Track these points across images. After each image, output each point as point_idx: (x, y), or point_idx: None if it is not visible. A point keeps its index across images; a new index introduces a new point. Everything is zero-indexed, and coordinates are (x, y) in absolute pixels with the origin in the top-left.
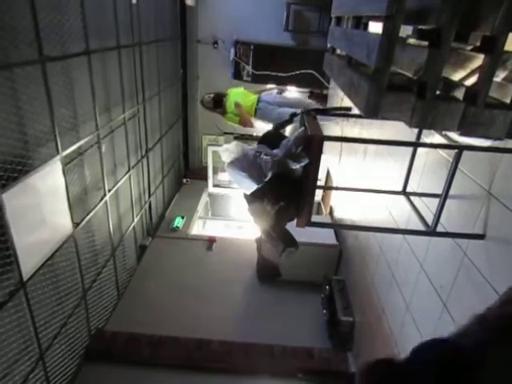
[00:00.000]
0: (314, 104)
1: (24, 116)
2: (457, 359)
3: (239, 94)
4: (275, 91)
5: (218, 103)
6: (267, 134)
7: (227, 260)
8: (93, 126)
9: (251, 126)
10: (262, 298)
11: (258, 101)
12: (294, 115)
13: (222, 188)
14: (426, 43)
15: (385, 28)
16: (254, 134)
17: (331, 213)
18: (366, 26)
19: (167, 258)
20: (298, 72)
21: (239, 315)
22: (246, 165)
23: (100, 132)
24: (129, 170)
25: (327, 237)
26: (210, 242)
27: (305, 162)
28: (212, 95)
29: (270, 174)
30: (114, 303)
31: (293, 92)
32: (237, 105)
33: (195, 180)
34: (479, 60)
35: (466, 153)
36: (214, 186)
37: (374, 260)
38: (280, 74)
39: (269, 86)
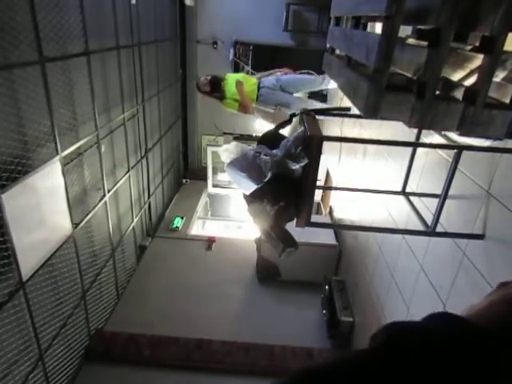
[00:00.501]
0: (317, 80)
1: (23, 116)
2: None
3: (239, 77)
4: (276, 75)
5: (215, 87)
6: (267, 135)
7: (227, 260)
8: (92, 127)
9: (251, 112)
10: (262, 298)
11: (259, 87)
12: (293, 115)
13: (222, 188)
14: (425, 43)
15: (384, 28)
16: (254, 135)
17: (331, 213)
18: (365, 26)
19: (167, 259)
20: (297, 72)
21: (239, 315)
22: (245, 165)
23: (99, 132)
24: (128, 170)
25: (327, 237)
26: (210, 242)
27: (304, 162)
28: (209, 77)
29: (269, 175)
30: (113, 303)
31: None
32: (238, 83)
33: (195, 180)
34: (478, 60)
35: (465, 153)
36: (214, 186)
37: (373, 260)
38: None
39: (271, 70)
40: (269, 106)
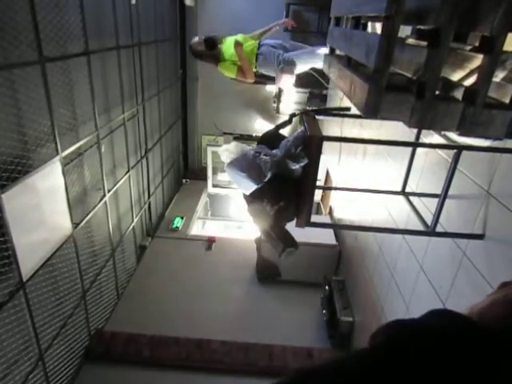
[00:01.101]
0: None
1: (24, 116)
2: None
3: (238, 38)
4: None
5: (210, 46)
6: (266, 134)
7: (227, 260)
8: (92, 127)
9: (251, 77)
10: (262, 298)
11: (259, 45)
12: (293, 115)
13: (222, 188)
14: (425, 43)
15: (384, 28)
16: (254, 135)
17: (331, 213)
18: (365, 27)
19: (167, 259)
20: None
21: (239, 315)
22: (245, 165)
23: (99, 132)
24: (128, 170)
25: (327, 237)
26: (210, 242)
27: (304, 162)
28: (203, 37)
29: (269, 175)
30: (113, 303)
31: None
32: (237, 44)
33: (195, 180)
34: (478, 60)
35: (465, 153)
36: (214, 186)
37: (373, 260)
38: None
39: (271, 24)
40: (271, 67)
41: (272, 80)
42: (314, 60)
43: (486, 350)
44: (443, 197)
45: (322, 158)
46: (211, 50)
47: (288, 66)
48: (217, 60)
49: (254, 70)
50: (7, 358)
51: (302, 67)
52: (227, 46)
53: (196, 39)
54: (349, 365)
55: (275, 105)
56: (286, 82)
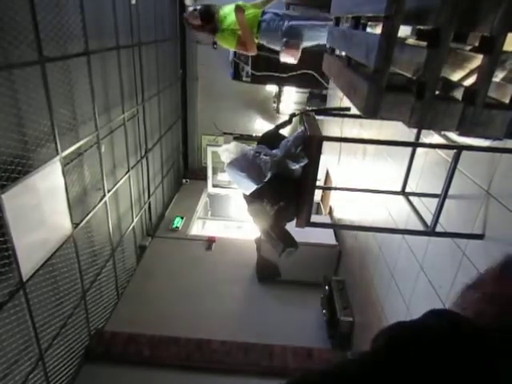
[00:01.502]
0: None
1: (24, 117)
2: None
3: (239, 3)
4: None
5: (207, 18)
6: (266, 134)
7: (227, 260)
8: (92, 127)
9: (252, 48)
10: (262, 298)
11: (263, 13)
12: (293, 115)
13: (222, 188)
14: (424, 43)
15: (384, 28)
16: (254, 135)
17: (331, 213)
18: (364, 27)
19: (167, 259)
20: (297, 72)
21: (239, 315)
22: (245, 165)
23: (99, 132)
24: (128, 170)
25: (327, 237)
26: (210, 242)
27: (304, 162)
28: (199, 7)
29: (269, 175)
30: (113, 303)
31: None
32: (238, 9)
33: (195, 180)
34: (478, 60)
35: (464, 153)
36: (214, 186)
37: (373, 260)
38: (279, 75)
39: None
40: (274, 37)
41: (276, 54)
42: (320, 34)
43: (484, 350)
44: (443, 197)
45: (322, 158)
46: (208, 24)
47: (293, 39)
48: (214, 31)
49: (256, 40)
50: (7, 357)
51: (307, 41)
52: (226, 13)
53: (190, 9)
54: (350, 366)
55: (275, 105)
56: (291, 56)
